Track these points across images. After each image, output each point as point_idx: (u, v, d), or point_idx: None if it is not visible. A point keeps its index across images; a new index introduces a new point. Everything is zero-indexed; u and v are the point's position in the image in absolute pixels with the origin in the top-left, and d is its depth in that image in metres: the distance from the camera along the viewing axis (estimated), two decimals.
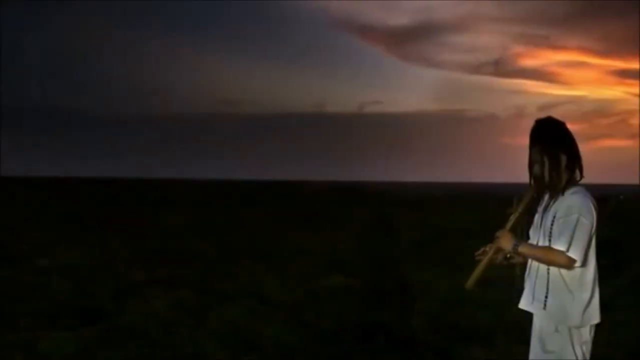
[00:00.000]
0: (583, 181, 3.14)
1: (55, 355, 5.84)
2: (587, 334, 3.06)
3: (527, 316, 3.23)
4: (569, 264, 2.97)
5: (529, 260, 3.18)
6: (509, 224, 3.14)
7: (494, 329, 6.72)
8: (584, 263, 3.01)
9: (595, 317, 3.06)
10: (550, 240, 3.03)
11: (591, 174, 3.17)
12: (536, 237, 3.15)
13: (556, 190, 3.09)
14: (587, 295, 3.03)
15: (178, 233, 16.14)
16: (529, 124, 3.15)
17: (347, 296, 8.58)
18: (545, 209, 3.12)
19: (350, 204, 31.99)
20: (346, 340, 6.46)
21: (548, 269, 3.06)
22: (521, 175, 3.22)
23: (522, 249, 3.06)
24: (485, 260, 3.16)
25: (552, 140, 3.07)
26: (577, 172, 3.11)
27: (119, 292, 8.45)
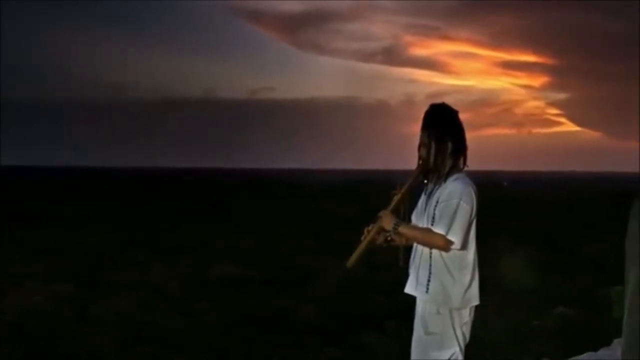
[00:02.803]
0: (468, 167, 3.20)
1: None
2: (467, 316, 3.14)
3: (415, 300, 3.26)
4: (447, 246, 3.04)
5: (414, 246, 3.22)
6: (392, 205, 3.17)
7: (385, 314, 6.85)
8: (465, 246, 3.08)
9: (475, 299, 3.14)
10: (432, 224, 3.09)
11: (475, 161, 3.24)
12: (420, 221, 3.20)
13: (439, 176, 3.14)
14: (467, 278, 3.11)
15: (66, 225, 15.45)
16: (418, 112, 3.18)
17: (242, 285, 8.50)
18: (430, 194, 3.17)
19: (245, 192, 31.81)
20: (239, 328, 6.38)
21: (431, 254, 3.12)
22: (414, 162, 3.24)
23: (402, 229, 3.10)
24: (366, 240, 3.16)
25: (441, 126, 3.13)
26: (462, 161, 3.17)
27: None
